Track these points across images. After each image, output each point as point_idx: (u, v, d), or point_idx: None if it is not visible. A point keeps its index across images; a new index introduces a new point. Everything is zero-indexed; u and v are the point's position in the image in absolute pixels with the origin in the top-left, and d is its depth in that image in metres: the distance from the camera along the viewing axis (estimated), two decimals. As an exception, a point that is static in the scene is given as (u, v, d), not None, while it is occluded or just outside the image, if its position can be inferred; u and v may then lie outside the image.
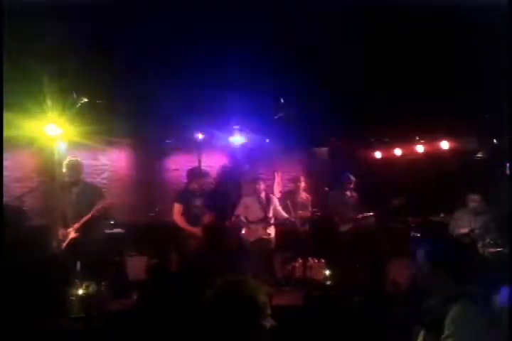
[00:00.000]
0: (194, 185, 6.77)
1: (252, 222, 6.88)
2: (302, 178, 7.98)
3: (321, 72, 5.76)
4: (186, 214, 6.60)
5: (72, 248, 5.63)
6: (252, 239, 6.84)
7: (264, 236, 6.86)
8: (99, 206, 5.73)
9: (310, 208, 7.88)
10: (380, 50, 5.14)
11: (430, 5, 3.91)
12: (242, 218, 6.90)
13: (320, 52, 5.25)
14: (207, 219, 6.58)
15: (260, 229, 6.85)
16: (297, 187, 7.85)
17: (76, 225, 5.69)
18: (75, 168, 5.97)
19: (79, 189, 5.92)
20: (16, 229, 5.85)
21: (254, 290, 1.87)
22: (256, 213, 6.91)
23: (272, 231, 6.97)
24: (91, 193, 5.94)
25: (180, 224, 6.57)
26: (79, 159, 6.21)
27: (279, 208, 7.14)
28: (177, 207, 6.66)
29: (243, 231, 6.92)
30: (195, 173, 6.96)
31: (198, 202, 6.68)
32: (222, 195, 7.41)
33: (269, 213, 6.93)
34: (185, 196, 6.72)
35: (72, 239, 5.64)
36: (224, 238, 6.74)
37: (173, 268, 6.67)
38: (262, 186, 7.10)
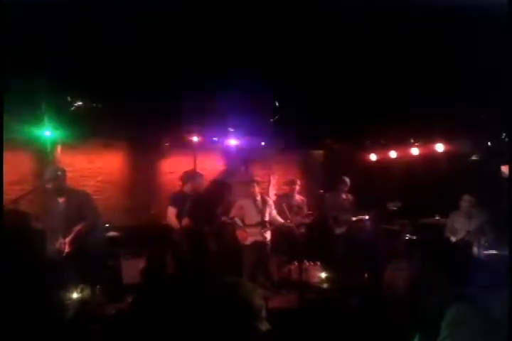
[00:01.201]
0: (188, 188, 6.73)
1: (247, 225, 6.86)
2: (297, 181, 7.96)
3: (317, 74, 5.77)
4: (181, 217, 6.54)
5: (68, 258, 5.53)
6: (247, 243, 6.82)
7: (260, 239, 6.83)
8: (78, 227, 5.49)
9: (305, 211, 7.86)
10: (377, 51, 5.14)
11: (430, 5, 3.91)
12: (238, 220, 6.87)
13: (317, 53, 5.25)
14: (185, 222, 6.49)
15: (256, 233, 6.82)
16: (292, 190, 7.83)
17: (67, 240, 5.46)
18: (59, 174, 5.63)
19: (65, 198, 5.64)
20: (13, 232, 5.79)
21: (250, 293, 1.87)
22: (252, 216, 6.88)
23: (267, 234, 6.95)
24: (78, 202, 5.65)
25: (175, 226, 6.52)
26: (61, 166, 5.97)
27: (275, 213, 7.10)
28: (171, 210, 6.61)
29: (238, 234, 6.89)
30: (189, 176, 6.91)
31: (190, 205, 6.60)
32: (215, 198, 7.36)
33: (265, 217, 6.90)
34: (179, 199, 6.66)
35: (68, 252, 5.50)
36: (211, 240, 6.69)
37: (168, 270, 6.65)
38: (257, 188, 7.07)
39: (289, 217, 7.18)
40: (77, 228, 5.49)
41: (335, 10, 4.10)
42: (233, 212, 6.96)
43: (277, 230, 7.18)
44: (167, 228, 6.67)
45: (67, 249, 5.44)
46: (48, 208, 5.79)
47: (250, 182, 7.21)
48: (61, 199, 5.67)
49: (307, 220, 7.74)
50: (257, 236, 6.82)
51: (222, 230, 7.07)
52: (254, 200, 6.94)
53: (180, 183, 6.99)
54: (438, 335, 2.29)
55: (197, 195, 6.72)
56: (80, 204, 5.64)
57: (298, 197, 7.87)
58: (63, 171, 5.75)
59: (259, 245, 6.84)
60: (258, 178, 9.21)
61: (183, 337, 2.86)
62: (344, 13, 4.22)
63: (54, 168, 5.77)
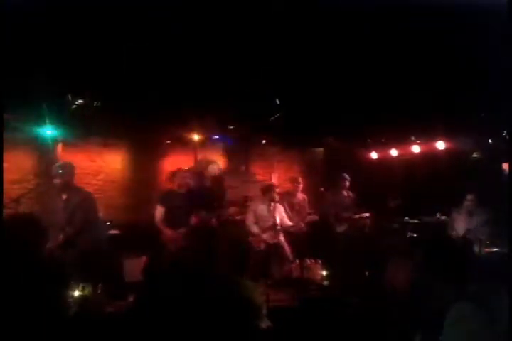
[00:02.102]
0: (175, 185, 6.59)
1: (262, 230, 6.83)
2: (300, 179, 7.93)
3: (317, 73, 5.76)
4: (169, 216, 6.40)
5: (69, 257, 5.54)
6: (256, 245, 6.78)
7: (267, 241, 6.80)
8: (62, 236, 5.49)
9: (307, 209, 7.85)
10: (377, 50, 5.14)
11: (430, 5, 3.91)
12: (255, 228, 6.82)
13: (317, 52, 5.25)
14: (194, 220, 6.42)
15: (269, 236, 6.80)
16: (295, 188, 7.81)
17: (63, 238, 5.49)
18: (66, 170, 5.63)
19: (68, 195, 5.65)
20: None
21: (251, 291, 1.87)
22: (265, 221, 6.85)
23: (281, 237, 6.91)
24: (76, 202, 5.62)
25: (161, 228, 6.39)
26: (71, 162, 5.95)
27: (285, 217, 7.04)
28: (158, 210, 6.44)
29: (250, 238, 6.84)
30: (173, 173, 6.75)
31: (183, 203, 6.47)
32: (215, 196, 7.29)
33: (276, 220, 6.85)
34: (167, 197, 6.51)
35: (66, 251, 5.47)
36: (214, 239, 6.66)
37: (168, 268, 6.63)
38: (277, 195, 7.00)
39: (290, 215, 7.16)
40: (61, 237, 5.46)
41: (336, 9, 4.10)
42: (248, 219, 6.92)
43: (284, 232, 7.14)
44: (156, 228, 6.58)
45: (58, 251, 5.42)
46: (51, 204, 5.79)
47: (270, 187, 7.13)
48: (64, 196, 5.68)
49: (309, 218, 7.72)
50: (271, 240, 6.80)
51: (220, 227, 7.03)
52: (269, 205, 6.90)
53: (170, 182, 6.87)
54: (439, 334, 2.29)
55: (186, 192, 6.60)
56: (77, 205, 5.59)
57: (300, 195, 7.85)
58: (72, 167, 5.74)
59: (268, 248, 6.81)
60: (259, 177, 9.26)
61: (186, 335, 2.87)
62: (345, 12, 4.21)
63: (62, 164, 5.75)
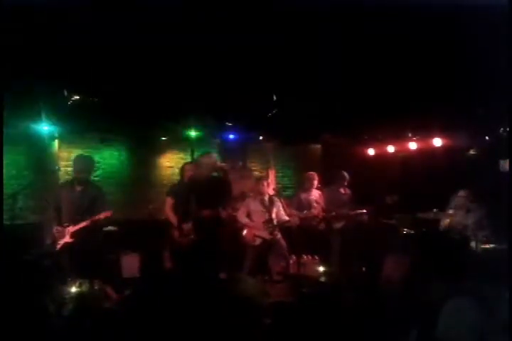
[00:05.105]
0: (187, 178, 6.51)
1: (255, 225, 6.79)
2: (316, 176, 7.90)
3: (315, 69, 5.77)
4: (178, 209, 6.31)
5: (66, 250, 5.55)
6: (251, 241, 6.76)
7: (264, 238, 6.77)
8: (99, 216, 5.53)
9: (322, 205, 7.73)
10: (375, 47, 5.15)
11: (430, 5, 3.92)
12: (246, 221, 6.79)
13: (315, 49, 5.25)
14: (198, 215, 6.38)
15: (264, 231, 6.76)
16: (311, 185, 7.82)
17: (71, 229, 5.51)
18: (88, 164, 5.75)
19: (84, 187, 5.68)
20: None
21: (249, 288, 1.87)
22: (259, 216, 6.81)
23: (277, 232, 6.87)
24: (95, 194, 5.71)
25: (171, 219, 6.34)
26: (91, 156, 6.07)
27: (283, 213, 7.00)
28: (168, 201, 6.43)
29: (245, 233, 6.82)
30: (188, 166, 6.67)
31: (191, 197, 6.47)
32: (213, 192, 7.22)
33: (272, 215, 6.82)
34: (178, 190, 6.46)
35: (67, 243, 5.53)
36: (217, 236, 6.62)
37: (167, 266, 6.64)
38: (266, 187, 6.98)
39: (288, 210, 7.15)
40: (96, 217, 5.52)
41: (334, 8, 4.11)
42: (240, 213, 6.89)
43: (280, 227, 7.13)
44: (165, 221, 6.57)
45: (68, 240, 5.49)
46: (64, 195, 5.75)
47: (259, 180, 7.12)
48: (79, 187, 5.69)
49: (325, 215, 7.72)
50: (262, 235, 6.77)
51: (221, 224, 7.00)
52: (262, 199, 6.87)
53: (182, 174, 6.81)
54: (436, 328, 2.30)
55: (194, 186, 6.53)
56: (95, 196, 5.69)
57: (315, 192, 7.83)
58: (93, 161, 5.99)
59: (263, 243, 6.78)
60: (257, 173, 9.26)
61: (182, 333, 2.87)
62: (342, 11, 4.22)
63: (86, 157, 5.91)
